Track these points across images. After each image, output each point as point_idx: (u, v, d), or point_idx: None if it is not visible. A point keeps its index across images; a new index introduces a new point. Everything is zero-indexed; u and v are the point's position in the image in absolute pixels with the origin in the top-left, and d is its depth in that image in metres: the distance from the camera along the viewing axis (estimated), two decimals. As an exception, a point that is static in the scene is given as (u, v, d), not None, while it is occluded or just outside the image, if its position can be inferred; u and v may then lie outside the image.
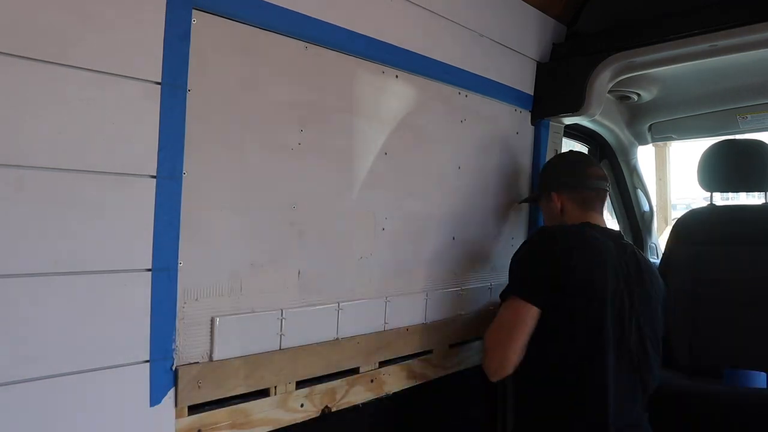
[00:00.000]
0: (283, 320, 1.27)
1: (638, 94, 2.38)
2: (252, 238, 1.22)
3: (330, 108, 1.36)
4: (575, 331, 1.38)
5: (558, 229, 1.55)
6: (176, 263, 1.07)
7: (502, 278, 1.92)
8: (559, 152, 2.14)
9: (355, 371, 1.44)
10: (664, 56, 1.80)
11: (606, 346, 1.37)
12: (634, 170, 2.83)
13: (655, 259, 2.86)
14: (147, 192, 1.03)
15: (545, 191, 1.68)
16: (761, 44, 1.64)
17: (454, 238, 1.73)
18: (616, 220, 3.00)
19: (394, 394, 1.55)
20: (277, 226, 1.27)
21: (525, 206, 2.03)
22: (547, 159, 2.06)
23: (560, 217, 1.62)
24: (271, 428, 1.25)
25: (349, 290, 1.42)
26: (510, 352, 1.41)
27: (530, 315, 1.39)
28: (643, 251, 2.87)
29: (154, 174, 1.03)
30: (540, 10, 1.94)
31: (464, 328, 1.77)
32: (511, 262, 1.53)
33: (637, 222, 2.88)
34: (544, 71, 1.98)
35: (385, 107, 1.49)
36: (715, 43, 1.68)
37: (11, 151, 0.87)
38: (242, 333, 1.20)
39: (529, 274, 1.45)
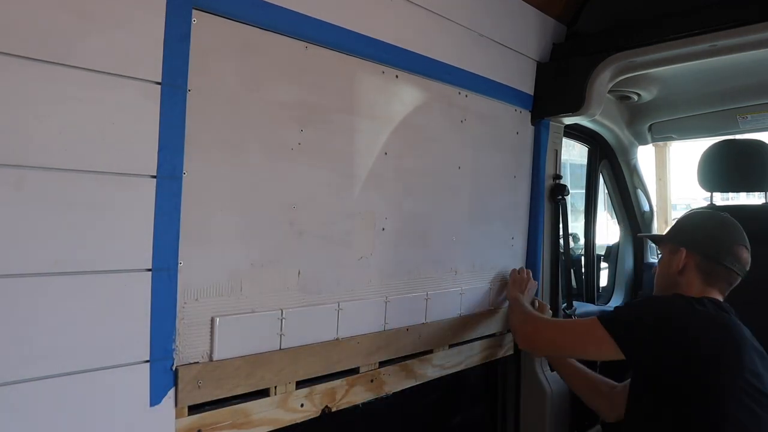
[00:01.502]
0: (283, 320, 1.27)
1: (638, 94, 2.38)
2: (252, 238, 1.22)
3: (330, 108, 1.35)
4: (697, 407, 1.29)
5: (689, 299, 1.41)
6: (176, 263, 1.07)
7: (502, 278, 1.92)
8: (559, 153, 2.14)
9: (355, 371, 1.44)
10: (664, 56, 1.80)
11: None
12: (634, 170, 2.83)
13: (655, 260, 2.86)
14: (147, 192, 1.03)
15: (676, 242, 1.53)
16: (761, 44, 1.64)
17: (454, 239, 1.73)
18: (616, 220, 3.00)
19: (394, 394, 1.55)
20: (277, 226, 1.27)
21: (525, 206, 2.03)
22: (547, 159, 2.06)
23: (675, 276, 1.50)
24: (271, 428, 1.25)
25: (349, 290, 1.42)
26: (543, 348, 1.68)
27: (601, 349, 1.41)
28: (643, 251, 2.88)
29: (154, 174, 1.03)
30: (540, 10, 1.94)
31: (464, 328, 1.77)
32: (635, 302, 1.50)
33: (637, 222, 2.88)
34: (544, 71, 1.98)
35: (385, 107, 1.49)
36: (715, 43, 1.68)
37: (11, 151, 0.87)
38: (242, 333, 1.20)
39: (641, 320, 1.39)
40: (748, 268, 1.49)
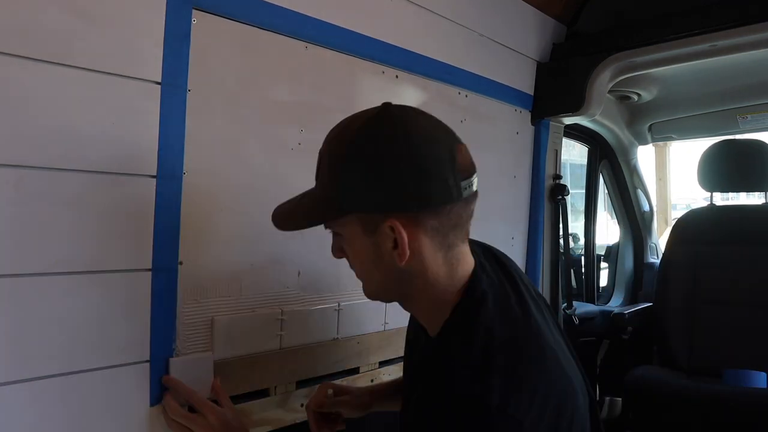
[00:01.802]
0: (283, 320, 1.27)
1: (638, 94, 2.38)
2: (252, 238, 1.22)
3: (330, 108, 1.35)
4: None
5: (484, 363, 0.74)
6: (176, 263, 1.07)
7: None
8: (559, 153, 2.14)
9: (355, 371, 1.44)
10: (664, 56, 1.80)
11: None
12: (634, 170, 2.83)
13: (655, 259, 2.86)
14: (147, 192, 1.03)
15: (366, 213, 0.80)
16: (761, 44, 1.64)
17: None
18: (616, 220, 3.00)
19: (394, 394, 1.55)
20: (277, 226, 1.26)
21: (525, 206, 2.03)
22: (547, 159, 2.06)
23: (402, 268, 0.81)
24: (271, 428, 1.25)
25: (349, 290, 1.42)
26: None
27: None
28: (643, 251, 2.88)
29: (154, 174, 1.03)
30: (540, 10, 1.94)
31: (464, 328, 1.77)
32: None
33: (637, 222, 2.88)
34: (544, 71, 1.98)
35: (385, 107, 1.49)
36: (715, 43, 1.68)
37: (11, 151, 0.87)
38: (242, 333, 1.20)
39: None
40: (475, 170, 0.86)
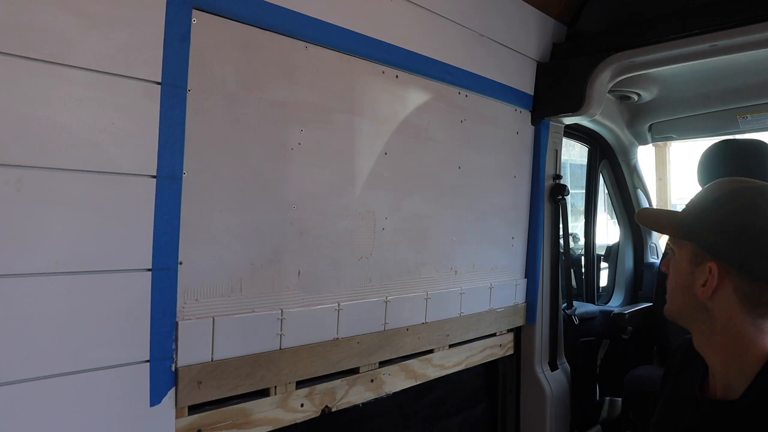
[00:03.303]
0: (283, 320, 1.27)
1: (638, 94, 2.38)
2: (252, 238, 1.22)
3: (330, 108, 1.35)
4: None
5: None
6: (176, 263, 1.07)
7: (502, 278, 1.92)
8: (559, 153, 2.14)
9: (355, 371, 1.44)
10: (664, 56, 1.80)
11: None
12: (634, 170, 2.83)
13: (655, 259, 2.86)
14: (147, 192, 1.03)
15: (702, 245, 0.92)
16: (761, 44, 1.64)
17: (454, 238, 1.73)
18: (616, 220, 3.00)
19: (394, 394, 1.55)
20: (277, 226, 1.27)
21: (525, 206, 2.03)
22: (547, 159, 2.06)
23: (699, 301, 0.92)
24: (271, 428, 1.25)
25: (349, 290, 1.42)
26: None
27: None
28: (643, 251, 2.88)
29: (154, 174, 1.03)
30: (540, 10, 1.94)
31: (464, 328, 1.77)
32: None
33: (637, 222, 2.88)
34: (544, 71, 1.98)
35: (385, 107, 1.49)
36: (715, 43, 1.68)
37: (11, 151, 0.87)
38: (242, 333, 1.20)
39: None
40: None
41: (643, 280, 2.84)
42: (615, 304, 2.82)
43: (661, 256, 2.78)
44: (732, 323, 0.90)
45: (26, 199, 0.89)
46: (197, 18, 1.08)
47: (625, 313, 2.36)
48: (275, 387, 1.26)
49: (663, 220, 1.06)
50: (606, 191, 2.94)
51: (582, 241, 2.92)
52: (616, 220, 3.00)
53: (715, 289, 0.90)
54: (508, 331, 1.97)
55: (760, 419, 0.84)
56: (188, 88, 1.07)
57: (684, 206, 1.01)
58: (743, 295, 0.89)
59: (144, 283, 1.03)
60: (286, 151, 1.27)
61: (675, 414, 1.03)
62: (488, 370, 2.02)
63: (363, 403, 1.46)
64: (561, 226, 2.13)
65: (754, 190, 0.93)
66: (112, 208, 0.99)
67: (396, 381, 1.55)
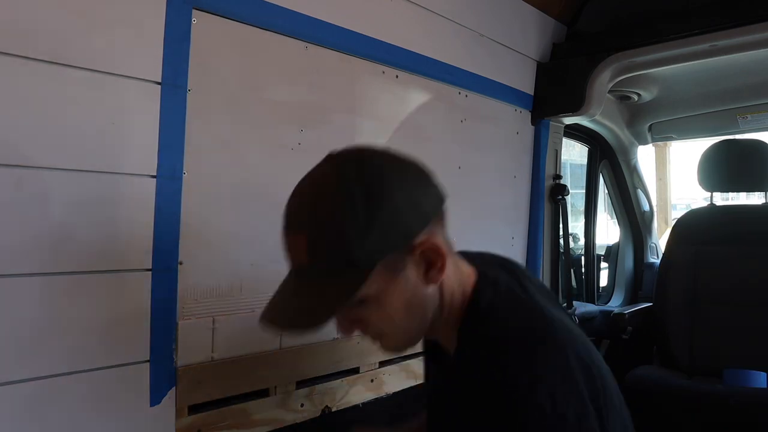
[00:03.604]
0: (283, 320, 1.27)
1: (638, 94, 2.38)
2: (252, 238, 1.22)
3: (330, 108, 1.35)
4: None
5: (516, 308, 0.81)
6: (176, 263, 1.07)
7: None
8: (559, 153, 2.14)
9: (355, 371, 1.44)
10: (664, 56, 1.80)
11: None
12: (634, 170, 2.83)
13: (655, 259, 2.86)
14: (147, 192, 1.03)
15: (391, 254, 0.75)
16: (761, 44, 1.64)
17: (454, 239, 1.72)
18: (616, 220, 3.00)
19: (394, 394, 1.54)
20: (277, 226, 1.26)
21: (525, 206, 2.03)
22: (547, 159, 2.05)
23: (422, 298, 0.80)
24: (271, 428, 1.25)
25: (349, 290, 1.42)
26: None
27: None
28: (643, 251, 2.88)
29: (154, 174, 1.03)
30: (540, 9, 1.94)
31: (464, 328, 1.77)
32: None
33: (637, 222, 2.88)
34: (544, 71, 1.98)
35: (385, 107, 1.49)
36: (715, 43, 1.68)
37: (11, 151, 0.87)
38: (242, 333, 1.20)
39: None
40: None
41: (643, 280, 2.84)
42: (615, 304, 2.82)
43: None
44: (444, 286, 0.81)
45: (26, 199, 0.89)
46: (197, 18, 1.08)
47: (625, 313, 2.36)
48: (275, 387, 1.26)
49: (317, 297, 0.75)
50: (606, 191, 2.94)
51: (582, 241, 2.92)
52: (616, 220, 3.00)
53: (436, 268, 0.77)
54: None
55: (462, 370, 0.78)
56: (188, 88, 1.07)
57: (302, 256, 0.78)
58: (444, 237, 0.82)
59: (144, 283, 1.03)
60: (286, 151, 1.27)
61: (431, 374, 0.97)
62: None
63: (363, 403, 1.46)
64: (561, 226, 2.13)
65: (349, 165, 0.78)
66: (112, 208, 0.99)
67: (396, 381, 1.55)
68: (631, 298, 2.84)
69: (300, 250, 0.77)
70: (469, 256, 0.91)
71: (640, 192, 2.87)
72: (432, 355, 0.96)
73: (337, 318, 0.78)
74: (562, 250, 2.17)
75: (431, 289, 0.79)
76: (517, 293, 0.83)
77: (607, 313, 2.43)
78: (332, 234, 0.73)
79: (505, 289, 0.83)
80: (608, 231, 3.85)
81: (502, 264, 0.93)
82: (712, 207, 2.36)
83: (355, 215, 0.72)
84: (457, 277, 0.83)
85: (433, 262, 0.77)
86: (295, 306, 0.76)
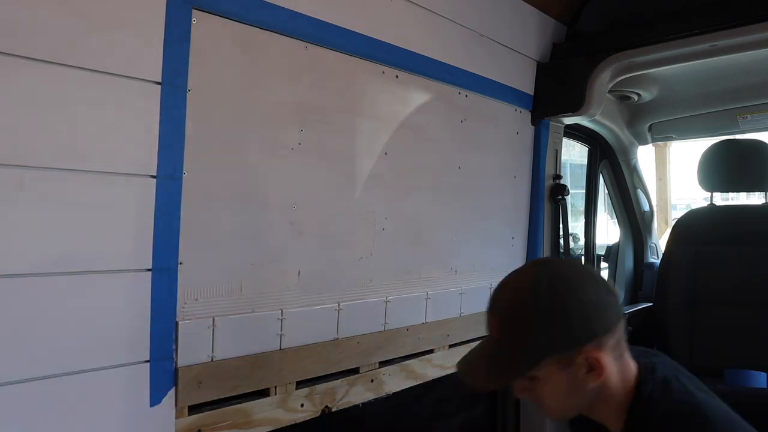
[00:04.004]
0: (283, 320, 1.27)
1: (638, 94, 2.38)
2: (252, 238, 1.22)
3: (330, 108, 1.35)
4: None
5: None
6: (176, 263, 1.07)
7: (502, 278, 1.91)
8: (559, 153, 2.13)
9: (355, 371, 1.44)
10: (664, 56, 1.80)
11: None
12: (634, 170, 2.83)
13: (655, 259, 2.86)
14: (147, 192, 1.03)
15: (561, 353, 0.91)
16: (761, 44, 1.64)
17: (454, 238, 1.73)
18: (616, 220, 3.00)
19: (394, 394, 1.55)
20: (277, 226, 1.27)
21: (525, 206, 2.03)
22: (547, 159, 2.05)
23: (582, 389, 0.93)
24: (271, 428, 1.25)
25: (349, 290, 1.42)
26: None
27: None
28: (643, 251, 2.88)
29: (154, 174, 1.03)
30: (540, 9, 1.94)
31: (464, 328, 1.77)
32: None
33: (637, 222, 2.88)
34: (544, 71, 1.98)
35: (385, 107, 1.49)
36: (715, 43, 1.68)
37: (11, 151, 0.87)
38: (242, 333, 1.20)
39: None
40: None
41: (643, 280, 2.84)
42: (615, 304, 2.81)
43: None
44: (608, 384, 0.94)
45: (26, 199, 0.89)
46: (197, 18, 1.08)
47: (625, 313, 2.36)
48: (275, 387, 1.26)
49: (495, 361, 0.96)
50: (606, 191, 2.94)
51: (582, 241, 2.92)
52: (616, 220, 3.00)
53: (597, 371, 0.92)
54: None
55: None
56: (188, 88, 1.07)
57: (497, 332, 0.96)
58: (613, 350, 0.94)
59: (144, 283, 1.03)
60: (286, 151, 1.27)
61: None
62: (488, 370, 2.01)
63: (363, 403, 1.46)
64: (561, 226, 2.13)
65: (541, 274, 0.95)
66: (112, 208, 0.99)
67: (396, 381, 1.55)
68: (631, 298, 2.84)
69: (493, 327, 0.97)
70: (636, 352, 1.04)
71: (640, 192, 2.87)
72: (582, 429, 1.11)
73: (514, 384, 0.97)
74: (562, 250, 2.17)
75: (591, 386, 0.93)
76: (670, 380, 0.97)
77: (607, 313, 2.42)
78: (517, 324, 0.93)
79: (661, 376, 0.97)
80: (608, 231, 3.85)
81: (664, 362, 1.06)
82: (712, 207, 2.36)
83: (538, 315, 0.91)
84: (620, 373, 0.96)
85: (592, 368, 0.92)
86: (482, 368, 0.99)
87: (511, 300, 0.95)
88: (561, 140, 2.12)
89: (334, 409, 1.38)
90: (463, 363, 1.03)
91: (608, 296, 0.95)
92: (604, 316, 0.93)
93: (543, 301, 0.91)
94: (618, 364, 0.95)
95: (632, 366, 0.99)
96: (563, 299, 0.91)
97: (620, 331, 0.96)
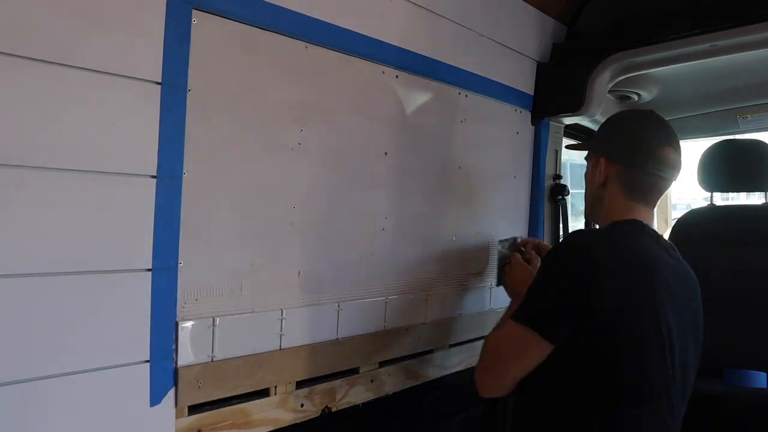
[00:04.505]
0: (283, 320, 1.27)
1: (638, 94, 2.38)
2: (252, 238, 1.22)
3: (330, 108, 1.36)
4: (606, 374, 1.08)
5: (598, 235, 1.25)
6: (176, 263, 1.07)
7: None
8: (559, 153, 2.14)
9: (355, 371, 1.44)
10: (664, 56, 1.80)
11: (641, 396, 1.10)
12: (634, 170, 2.82)
13: (655, 259, 2.86)
14: (147, 192, 1.03)
15: (596, 151, 1.33)
16: (761, 44, 1.64)
17: (454, 238, 1.73)
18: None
19: (394, 394, 1.55)
20: (277, 226, 1.27)
21: (525, 206, 2.03)
22: (547, 159, 2.06)
23: (598, 190, 1.29)
24: (271, 428, 1.25)
25: (349, 290, 1.42)
26: (501, 384, 1.20)
27: (539, 350, 1.11)
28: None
29: (154, 174, 1.03)
30: (540, 9, 1.94)
31: (464, 328, 1.77)
32: (538, 272, 1.20)
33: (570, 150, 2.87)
34: (544, 71, 1.97)
35: (385, 107, 1.49)
36: (715, 43, 1.68)
37: (11, 151, 0.88)
38: (242, 333, 1.20)
39: (549, 298, 1.12)
40: (678, 172, 1.28)
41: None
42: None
43: None
44: (612, 202, 1.27)
45: (26, 199, 0.89)
46: (197, 18, 1.08)
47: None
48: (275, 387, 1.26)
49: (585, 145, 1.53)
50: (606, 191, 2.93)
51: (582, 241, 2.92)
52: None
53: (606, 178, 1.27)
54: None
55: None
56: (188, 88, 1.07)
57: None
58: (622, 180, 1.26)
59: (144, 283, 1.03)
60: (286, 151, 1.27)
61: None
62: (488, 370, 2.01)
63: (363, 403, 1.46)
64: (561, 226, 2.13)
65: (638, 111, 1.37)
66: (112, 208, 0.99)
67: (396, 381, 1.55)
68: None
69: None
70: (649, 232, 1.26)
71: (640, 192, 2.87)
72: None
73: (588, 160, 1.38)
74: (562, 250, 2.17)
75: (599, 190, 1.30)
76: (625, 235, 1.22)
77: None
78: (600, 131, 1.40)
79: (625, 230, 1.23)
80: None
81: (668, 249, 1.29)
82: (712, 207, 2.35)
83: (606, 127, 1.37)
84: (620, 207, 1.26)
85: (600, 173, 1.28)
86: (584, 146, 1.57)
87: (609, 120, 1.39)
88: (561, 140, 2.12)
89: (334, 409, 1.38)
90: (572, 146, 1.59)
91: (649, 149, 1.24)
92: (632, 154, 1.24)
93: (613, 118, 1.38)
94: (626, 202, 1.25)
95: (633, 216, 1.24)
96: (620, 122, 1.35)
97: (639, 180, 1.24)
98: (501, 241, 1.65)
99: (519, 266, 1.52)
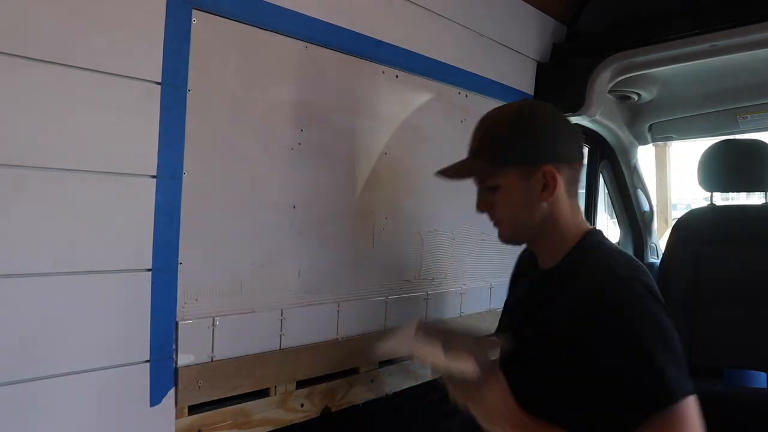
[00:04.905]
0: (283, 320, 1.27)
1: (638, 94, 2.38)
2: (252, 238, 1.22)
3: (330, 108, 1.36)
4: None
5: (634, 264, 1.06)
6: (176, 263, 1.07)
7: (502, 278, 1.91)
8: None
9: (355, 371, 1.44)
10: (664, 56, 1.80)
11: None
12: (634, 170, 2.82)
13: (655, 259, 2.86)
14: (147, 192, 1.03)
15: (521, 162, 1.07)
16: (761, 44, 1.64)
17: (454, 238, 1.73)
18: (616, 221, 3.00)
19: (394, 394, 1.55)
20: (277, 226, 1.27)
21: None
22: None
23: (544, 204, 1.07)
24: (271, 428, 1.25)
25: (349, 290, 1.42)
26: None
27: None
28: (643, 251, 2.88)
29: (154, 174, 1.03)
30: (540, 9, 1.94)
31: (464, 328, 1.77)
32: (642, 328, 0.93)
33: (637, 222, 2.88)
34: (544, 71, 1.98)
35: (385, 107, 1.49)
36: (715, 43, 1.68)
37: (11, 151, 0.87)
38: (242, 333, 1.20)
39: (679, 350, 0.96)
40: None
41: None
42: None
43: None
44: (562, 211, 1.09)
45: (26, 199, 0.89)
46: (197, 18, 1.08)
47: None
48: (275, 387, 1.26)
49: (469, 164, 1.15)
50: (606, 191, 2.94)
51: (582, 241, 2.92)
52: (616, 220, 3.00)
53: (556, 185, 1.06)
54: (508, 331, 1.96)
55: (563, 280, 1.06)
56: (188, 88, 1.07)
57: (477, 142, 1.13)
58: (568, 181, 1.09)
59: (144, 283, 1.03)
60: (286, 151, 1.27)
61: (518, 289, 1.27)
62: (488, 370, 2.01)
63: (363, 403, 1.46)
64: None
65: (517, 106, 1.16)
66: (112, 208, 0.99)
67: (396, 381, 1.55)
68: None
69: (476, 139, 1.13)
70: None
71: (640, 192, 2.87)
72: (523, 270, 1.29)
73: (478, 195, 1.15)
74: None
75: (544, 205, 1.08)
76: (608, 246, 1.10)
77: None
78: (497, 132, 1.10)
79: (610, 243, 1.12)
80: (608, 231, 3.85)
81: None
82: (712, 207, 2.35)
83: (516, 128, 1.09)
84: (573, 216, 1.11)
85: (547, 185, 1.06)
86: (454, 168, 1.16)
87: (497, 117, 1.13)
88: (561, 140, 2.12)
89: (334, 409, 1.38)
90: (446, 169, 1.17)
91: (576, 137, 1.13)
92: (569, 148, 1.10)
93: (523, 118, 1.10)
94: (570, 202, 1.10)
95: (583, 220, 1.14)
96: (540, 120, 1.10)
97: (578, 174, 1.12)
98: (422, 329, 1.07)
99: (502, 392, 1.09)
